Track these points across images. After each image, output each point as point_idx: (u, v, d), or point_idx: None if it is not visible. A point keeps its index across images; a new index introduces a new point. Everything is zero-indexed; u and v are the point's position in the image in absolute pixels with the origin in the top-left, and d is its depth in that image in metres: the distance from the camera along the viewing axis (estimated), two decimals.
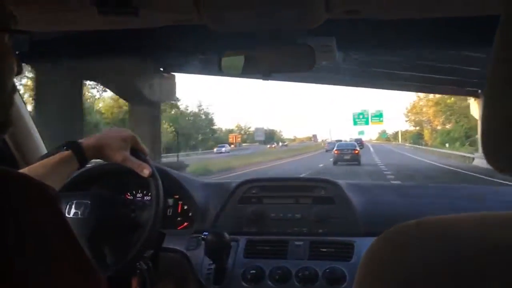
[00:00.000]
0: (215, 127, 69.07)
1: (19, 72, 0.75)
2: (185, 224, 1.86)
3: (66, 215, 1.38)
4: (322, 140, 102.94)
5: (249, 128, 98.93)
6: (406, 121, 76.70)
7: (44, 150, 1.90)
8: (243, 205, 1.84)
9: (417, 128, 71.35)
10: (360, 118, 70.77)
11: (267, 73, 1.45)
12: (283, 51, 1.46)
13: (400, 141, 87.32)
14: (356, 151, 29.63)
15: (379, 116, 71.01)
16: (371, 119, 70.76)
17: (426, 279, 0.43)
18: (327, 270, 1.57)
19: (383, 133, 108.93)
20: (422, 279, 0.43)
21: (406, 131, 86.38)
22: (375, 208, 1.77)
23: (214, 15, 1.33)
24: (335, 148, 31.28)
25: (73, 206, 1.41)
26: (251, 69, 1.48)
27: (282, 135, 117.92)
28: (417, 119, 69.60)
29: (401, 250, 0.47)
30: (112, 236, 1.41)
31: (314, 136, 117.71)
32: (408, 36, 1.72)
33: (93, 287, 0.63)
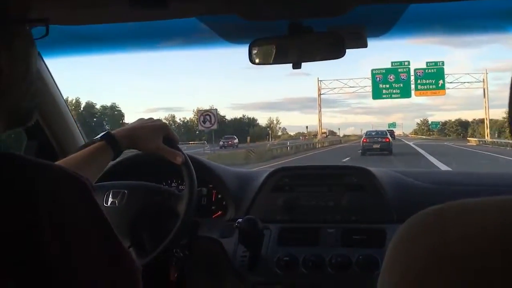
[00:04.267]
0: None
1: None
2: (219, 212, 1.88)
3: (104, 204, 1.43)
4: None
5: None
6: None
7: (82, 141, 1.96)
8: (275, 194, 1.85)
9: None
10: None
11: (297, 62, 1.45)
12: (313, 39, 1.46)
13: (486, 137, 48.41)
14: (387, 139, 28.59)
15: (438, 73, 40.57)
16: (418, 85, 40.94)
17: (452, 262, 0.43)
18: (360, 257, 1.58)
19: (432, 124, 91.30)
20: (449, 261, 0.44)
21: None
22: (407, 195, 1.76)
23: (245, 5, 1.33)
24: (363, 137, 30.21)
25: (110, 196, 1.45)
26: (281, 58, 1.48)
27: None
28: None
29: (425, 234, 0.47)
30: (149, 224, 1.44)
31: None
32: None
33: (128, 275, 0.65)
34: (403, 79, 41.98)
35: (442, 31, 1.82)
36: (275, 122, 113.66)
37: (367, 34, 1.42)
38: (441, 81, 41.88)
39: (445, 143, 48.49)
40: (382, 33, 1.58)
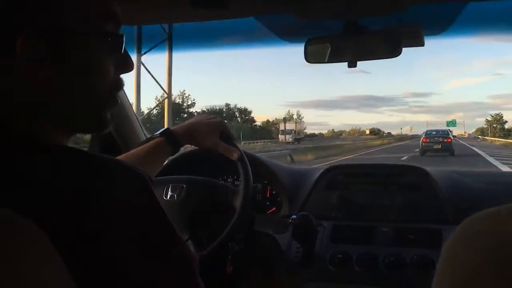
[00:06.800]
0: None
1: (127, 68, 0.77)
2: (273, 208, 1.90)
3: (163, 198, 1.48)
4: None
5: None
6: None
7: (143, 137, 2.03)
8: (329, 191, 1.85)
9: None
10: None
11: (352, 61, 1.44)
12: (369, 38, 1.45)
13: None
14: (449, 140, 26.98)
15: None
16: None
17: (508, 263, 0.43)
18: (415, 257, 1.55)
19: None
20: (505, 263, 0.43)
21: None
22: (464, 196, 1.72)
23: (301, 4, 1.35)
24: (423, 136, 28.62)
25: (169, 190, 1.50)
26: (336, 57, 1.48)
27: None
28: None
29: (481, 236, 0.47)
30: (206, 218, 1.48)
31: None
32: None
33: (186, 266, 0.66)
34: None
35: (505, 29, 1.76)
36: (295, 117, 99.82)
37: (424, 33, 1.40)
38: None
39: None
40: (439, 31, 1.55)
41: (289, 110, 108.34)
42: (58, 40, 0.66)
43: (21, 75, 0.65)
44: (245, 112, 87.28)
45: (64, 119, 0.70)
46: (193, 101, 75.26)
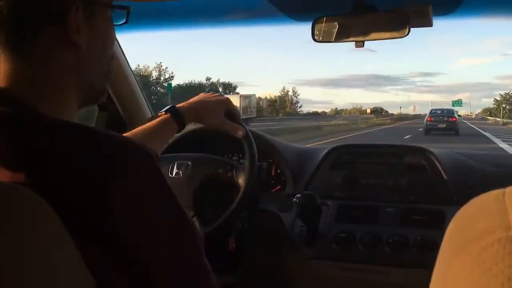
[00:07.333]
0: None
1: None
2: (278, 187, 1.91)
3: (169, 175, 1.49)
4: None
5: None
6: None
7: (149, 114, 2.04)
8: (334, 171, 1.85)
9: None
10: None
11: (360, 41, 1.43)
12: (376, 18, 1.44)
13: None
14: (454, 119, 26.89)
15: None
16: None
17: (511, 244, 0.43)
18: (418, 238, 1.56)
19: None
20: (508, 243, 0.43)
21: None
22: (469, 177, 1.71)
23: None
24: (427, 115, 28.39)
25: (175, 167, 1.51)
26: (344, 37, 1.47)
27: None
28: None
29: (484, 216, 0.47)
30: (211, 196, 1.50)
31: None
32: None
33: (190, 241, 0.67)
34: None
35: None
36: (290, 94, 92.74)
37: (433, 13, 1.39)
38: None
39: None
40: (448, 11, 1.53)
41: (284, 87, 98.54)
42: (91, 9, 0.72)
43: (64, 44, 0.70)
44: (229, 87, 78.66)
45: (84, 89, 0.75)
46: (171, 75, 69.91)
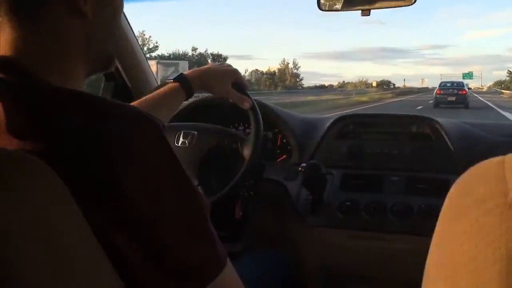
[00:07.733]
0: None
1: None
2: (284, 156, 1.92)
3: (175, 144, 1.50)
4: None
5: None
6: None
7: (155, 84, 2.04)
8: (340, 140, 1.86)
9: None
10: None
11: (366, 10, 1.42)
12: None
13: None
14: (464, 92, 26.54)
15: None
16: None
17: (510, 209, 0.44)
18: (422, 206, 1.57)
19: None
20: (506, 209, 0.43)
21: None
22: (475, 146, 1.71)
23: None
24: (436, 88, 28.06)
25: (181, 136, 1.52)
26: (350, 5, 1.45)
27: None
28: None
29: (483, 182, 0.47)
30: (217, 165, 1.51)
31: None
32: None
33: (196, 209, 0.68)
34: None
35: None
36: (291, 66, 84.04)
37: None
38: None
39: None
40: None
41: (284, 59, 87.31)
42: None
43: (72, 12, 0.71)
44: (219, 58, 72.28)
45: (92, 58, 0.76)
46: (155, 44, 65.12)
